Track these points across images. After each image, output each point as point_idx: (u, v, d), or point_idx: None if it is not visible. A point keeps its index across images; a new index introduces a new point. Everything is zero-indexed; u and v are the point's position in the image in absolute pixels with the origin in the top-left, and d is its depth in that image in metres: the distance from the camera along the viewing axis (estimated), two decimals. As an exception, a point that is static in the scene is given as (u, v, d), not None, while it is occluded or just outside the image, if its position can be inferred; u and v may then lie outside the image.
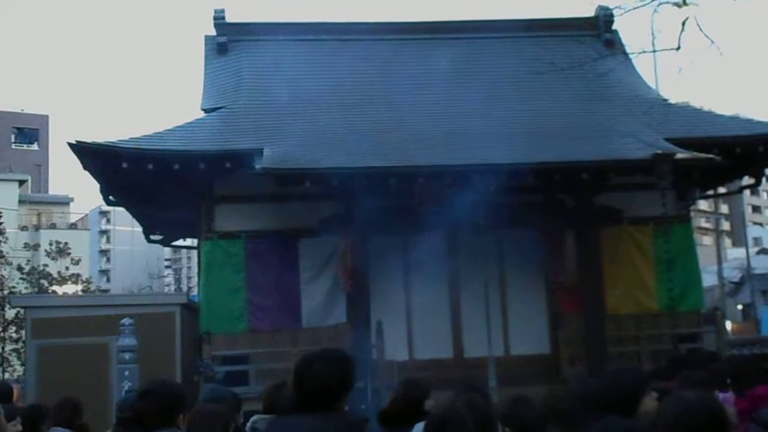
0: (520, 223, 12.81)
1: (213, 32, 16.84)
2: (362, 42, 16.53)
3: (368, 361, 12.13)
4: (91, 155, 12.88)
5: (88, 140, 12.88)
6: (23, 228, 43.17)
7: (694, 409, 2.76)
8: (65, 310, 13.57)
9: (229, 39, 16.62)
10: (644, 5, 9.40)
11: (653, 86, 16.86)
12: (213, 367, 12.37)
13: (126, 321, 10.80)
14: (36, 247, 33.14)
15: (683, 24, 9.34)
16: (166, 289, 50.85)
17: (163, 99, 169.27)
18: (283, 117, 14.45)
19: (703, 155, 12.71)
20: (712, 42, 9.49)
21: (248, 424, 4.04)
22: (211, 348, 13.23)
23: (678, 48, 9.51)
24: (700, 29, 9.34)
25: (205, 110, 15.03)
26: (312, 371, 3.39)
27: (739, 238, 59.80)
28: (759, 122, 15.01)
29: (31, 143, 62.14)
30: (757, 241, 53.22)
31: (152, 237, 18.42)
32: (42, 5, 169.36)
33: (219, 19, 16.73)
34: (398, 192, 12.23)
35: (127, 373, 10.44)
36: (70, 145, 12.58)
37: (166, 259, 70.06)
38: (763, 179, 16.26)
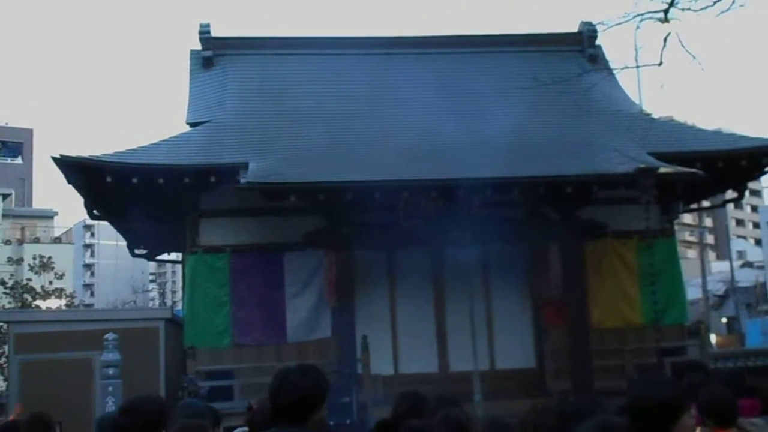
0: (504, 237, 12.84)
1: (198, 46, 16.85)
2: (347, 56, 16.58)
3: (353, 375, 12.10)
4: (75, 169, 12.84)
5: (73, 154, 12.85)
6: (6, 242, 42.92)
7: None
8: (49, 325, 13.51)
9: (214, 53, 16.63)
10: (627, 21, 9.45)
11: (636, 101, 16.97)
12: (197, 382, 12.30)
13: (110, 336, 10.76)
14: (19, 261, 32.95)
15: (665, 40, 9.41)
16: (151, 304, 50.52)
17: (148, 113, 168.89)
18: (268, 131, 14.46)
19: (686, 170, 12.81)
20: (694, 57, 9.57)
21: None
22: (196, 363, 13.16)
23: (660, 63, 9.57)
24: (682, 45, 9.43)
25: (190, 124, 15.01)
26: (287, 384, 3.44)
27: (723, 251, 60.11)
28: (741, 137, 15.14)
29: (15, 157, 61.94)
30: (741, 254, 53.39)
31: (137, 251, 18.35)
32: (27, 19, 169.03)
33: (204, 34, 16.74)
34: (383, 206, 12.24)
35: (110, 388, 10.40)
36: (55, 159, 12.53)
37: (151, 274, 69.63)
38: (746, 193, 16.37)
